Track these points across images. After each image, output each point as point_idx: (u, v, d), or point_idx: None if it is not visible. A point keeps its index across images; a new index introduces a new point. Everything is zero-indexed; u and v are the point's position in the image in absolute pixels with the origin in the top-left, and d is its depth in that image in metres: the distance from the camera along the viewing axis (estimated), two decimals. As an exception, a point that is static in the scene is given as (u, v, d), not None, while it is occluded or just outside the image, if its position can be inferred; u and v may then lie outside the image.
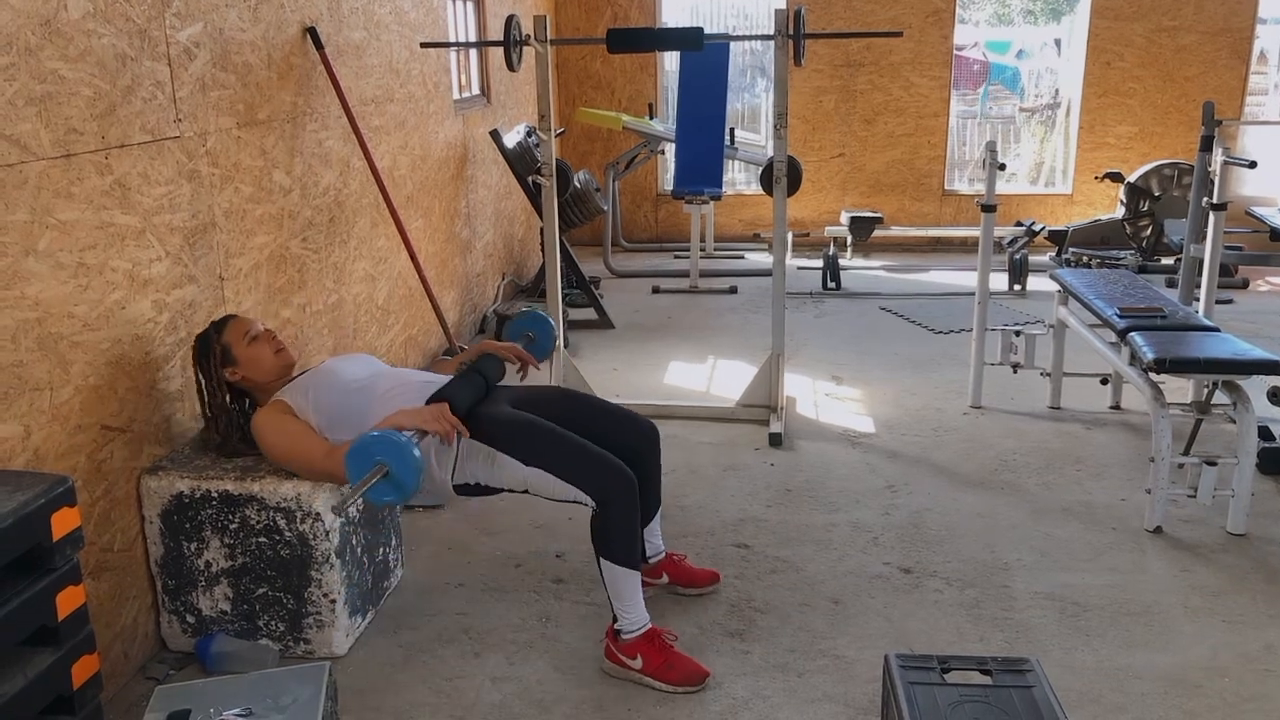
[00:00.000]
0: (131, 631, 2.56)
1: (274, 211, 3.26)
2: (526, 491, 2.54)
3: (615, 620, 2.52)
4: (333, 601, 2.57)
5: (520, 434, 2.51)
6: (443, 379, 2.69)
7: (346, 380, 2.65)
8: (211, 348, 2.62)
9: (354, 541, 2.66)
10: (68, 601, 1.86)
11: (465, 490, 2.60)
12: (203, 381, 2.64)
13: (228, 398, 2.66)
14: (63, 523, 1.84)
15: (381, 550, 2.85)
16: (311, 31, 3.51)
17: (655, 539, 2.89)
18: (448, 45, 4.99)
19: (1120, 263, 6.51)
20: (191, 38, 2.78)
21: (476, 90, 5.97)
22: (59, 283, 2.26)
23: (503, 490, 2.58)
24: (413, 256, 4.05)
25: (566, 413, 2.71)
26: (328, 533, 2.53)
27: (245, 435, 2.65)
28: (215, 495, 2.52)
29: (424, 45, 4.54)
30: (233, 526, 2.54)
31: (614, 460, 2.48)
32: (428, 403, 2.51)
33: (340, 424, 2.57)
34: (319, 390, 2.62)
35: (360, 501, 2.40)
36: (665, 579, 2.90)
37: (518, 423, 2.54)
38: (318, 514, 2.51)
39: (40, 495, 1.80)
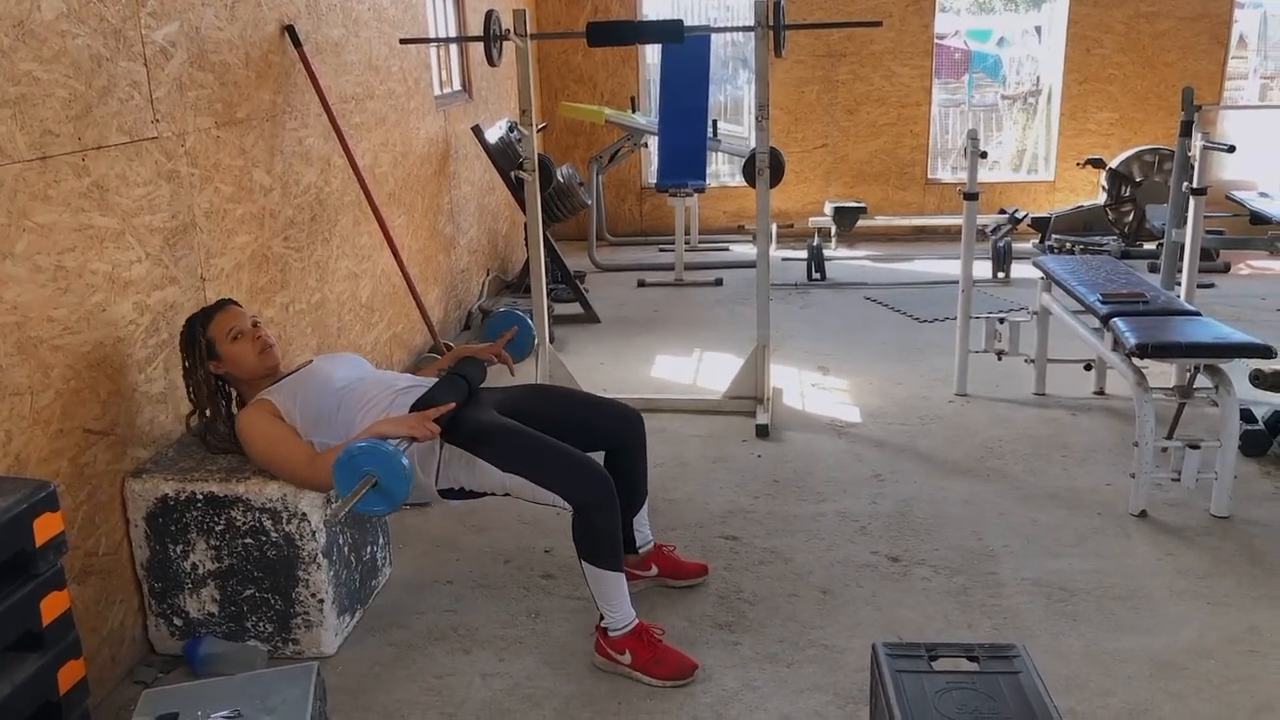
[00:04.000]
0: (118, 635, 2.55)
1: (255, 211, 3.24)
2: (508, 495, 2.54)
3: (602, 618, 2.53)
4: (320, 601, 2.57)
5: (497, 440, 2.51)
6: (427, 382, 2.68)
7: (333, 382, 2.63)
8: (196, 339, 2.59)
9: (341, 541, 2.66)
10: (52, 607, 1.86)
11: (450, 494, 2.60)
12: (188, 372, 2.62)
13: (213, 389, 2.64)
14: (45, 528, 1.83)
15: (369, 549, 2.85)
16: (290, 29, 3.49)
17: (644, 528, 2.89)
18: (427, 41, 4.98)
19: (1103, 248, 6.54)
20: (167, 37, 2.76)
21: (458, 86, 5.95)
22: (37, 286, 2.25)
23: (487, 494, 2.58)
24: (396, 254, 4.03)
25: (550, 410, 2.73)
26: (314, 532, 2.52)
27: (231, 430, 2.64)
28: (200, 497, 2.51)
29: (403, 41, 4.52)
30: (219, 528, 2.53)
31: (589, 464, 2.48)
32: (412, 408, 2.50)
33: (325, 427, 2.56)
34: (305, 392, 2.60)
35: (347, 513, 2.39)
36: (655, 571, 2.91)
37: (495, 428, 2.53)
38: (304, 514, 2.50)
39: (22, 501, 1.79)
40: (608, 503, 2.44)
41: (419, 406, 2.51)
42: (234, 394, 2.72)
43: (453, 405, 2.51)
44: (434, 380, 2.69)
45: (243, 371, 2.63)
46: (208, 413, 2.64)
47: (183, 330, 2.64)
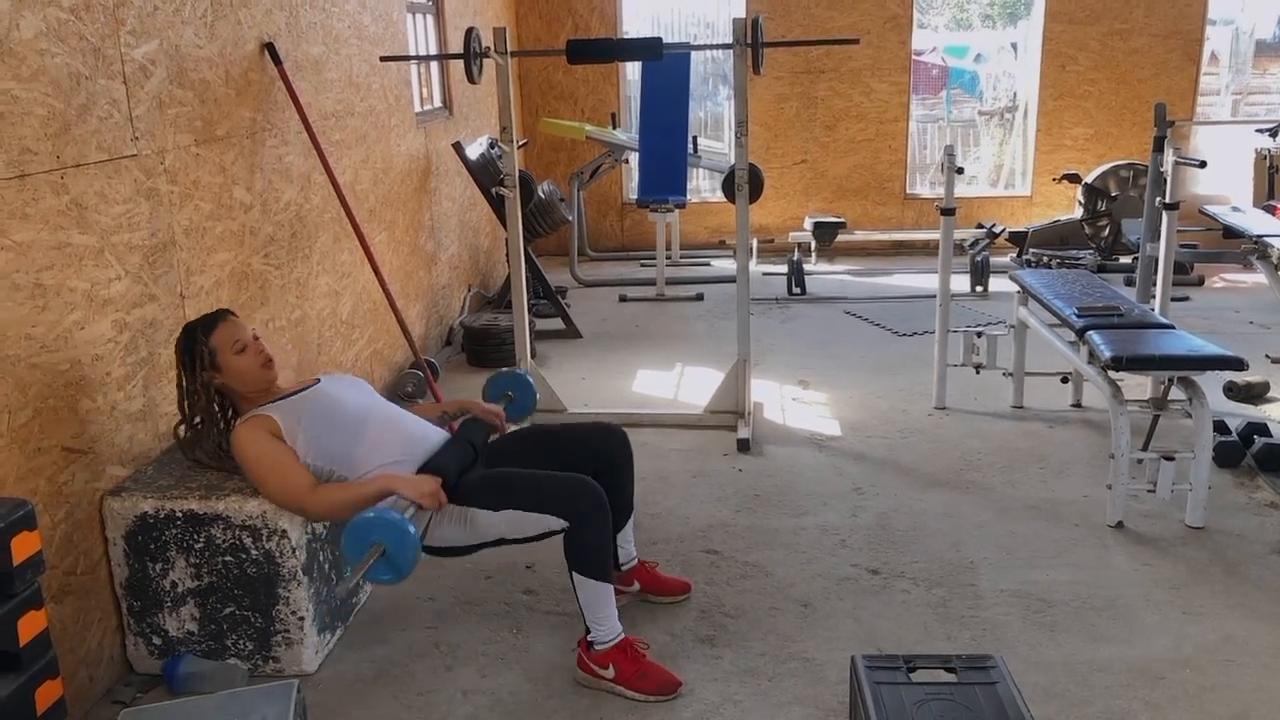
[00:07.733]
0: (97, 655, 2.53)
1: (235, 228, 3.24)
2: (500, 542, 2.55)
3: (588, 632, 2.53)
4: (301, 619, 2.56)
5: (488, 487, 2.55)
6: (432, 431, 2.71)
7: (341, 411, 2.61)
8: (197, 349, 2.55)
9: (321, 558, 2.65)
10: (29, 626, 1.85)
11: (435, 552, 2.59)
12: (184, 381, 2.59)
13: (211, 399, 2.61)
14: (23, 547, 1.83)
15: (349, 566, 2.83)
16: (269, 47, 3.50)
17: (628, 545, 2.90)
18: (408, 59, 4.99)
19: (1079, 262, 6.60)
20: (147, 55, 2.76)
21: (438, 103, 5.97)
22: (15, 304, 2.24)
23: (477, 547, 2.59)
24: (376, 270, 4.04)
25: (534, 448, 2.77)
26: (294, 549, 2.51)
27: (222, 444, 2.61)
28: (180, 515, 2.50)
29: (384, 59, 4.53)
30: (198, 546, 2.52)
31: (580, 478, 2.51)
32: (420, 469, 2.52)
33: (326, 455, 2.55)
34: (312, 417, 2.57)
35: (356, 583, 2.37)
36: (637, 587, 2.91)
37: (486, 478, 2.58)
38: (284, 531, 2.50)
39: (-1, 520, 1.79)
40: (600, 512, 2.46)
41: (427, 468, 2.52)
42: (230, 412, 2.70)
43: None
44: (436, 427, 2.74)
45: (243, 386, 2.61)
46: (199, 424, 2.61)
47: (180, 337, 2.60)
